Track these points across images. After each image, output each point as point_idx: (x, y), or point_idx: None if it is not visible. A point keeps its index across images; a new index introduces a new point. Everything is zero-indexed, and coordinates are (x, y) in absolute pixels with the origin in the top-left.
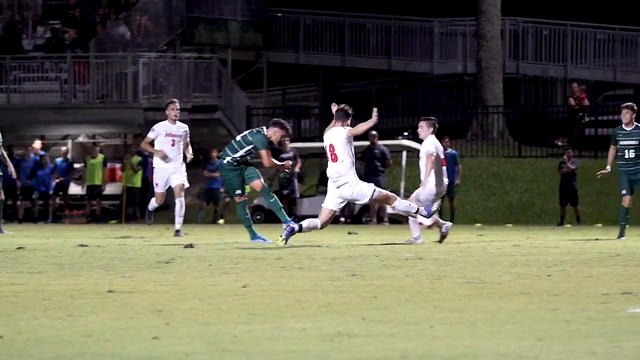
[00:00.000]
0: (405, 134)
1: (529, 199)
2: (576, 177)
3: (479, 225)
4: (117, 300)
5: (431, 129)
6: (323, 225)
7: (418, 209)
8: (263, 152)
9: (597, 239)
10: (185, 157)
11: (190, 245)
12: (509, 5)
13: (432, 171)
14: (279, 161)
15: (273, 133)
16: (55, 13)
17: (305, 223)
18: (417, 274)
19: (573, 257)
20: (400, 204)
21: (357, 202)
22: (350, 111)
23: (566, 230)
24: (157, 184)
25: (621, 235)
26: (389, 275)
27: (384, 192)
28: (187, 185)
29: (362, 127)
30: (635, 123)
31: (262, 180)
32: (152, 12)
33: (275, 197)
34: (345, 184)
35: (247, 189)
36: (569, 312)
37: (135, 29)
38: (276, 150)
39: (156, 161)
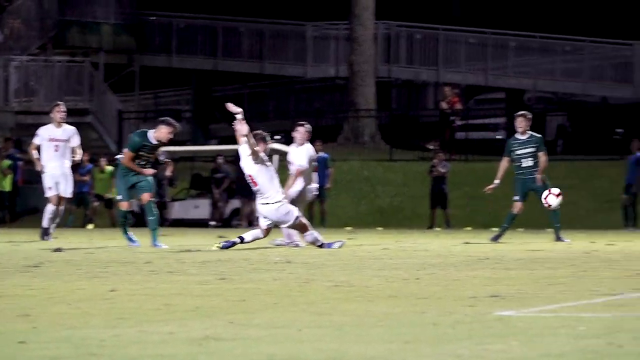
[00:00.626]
0: (277, 137)
1: (400, 202)
2: (446, 181)
3: (349, 228)
4: None
5: (307, 135)
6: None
7: (323, 243)
8: (125, 152)
9: (466, 243)
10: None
11: (59, 249)
12: (383, 9)
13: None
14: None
15: (160, 132)
16: None
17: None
18: (286, 278)
19: (442, 260)
20: (310, 236)
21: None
22: (264, 135)
23: (436, 234)
24: (49, 188)
25: (498, 237)
26: (258, 279)
27: (304, 221)
28: (68, 196)
29: (241, 132)
30: (529, 132)
31: (152, 194)
32: (25, 15)
33: (157, 216)
34: (267, 204)
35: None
36: (436, 315)
37: (8, 32)
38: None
39: (45, 166)
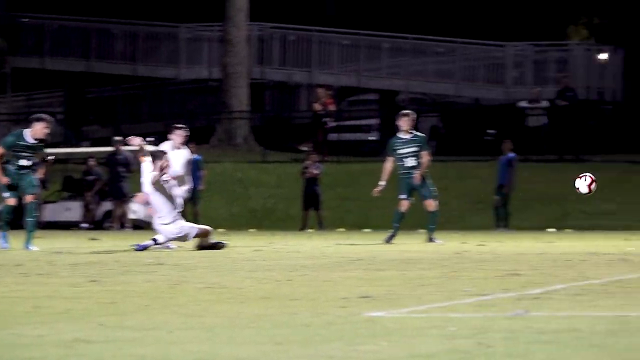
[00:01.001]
0: (151, 139)
1: (273, 204)
2: (319, 182)
3: (222, 230)
4: None
5: (185, 139)
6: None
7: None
8: None
9: (338, 244)
10: None
11: None
12: (256, 10)
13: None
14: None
15: (35, 129)
16: None
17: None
18: (158, 280)
19: (314, 261)
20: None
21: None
22: (145, 146)
23: (309, 235)
24: None
25: (391, 237)
26: (129, 281)
27: (201, 227)
28: None
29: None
30: (412, 131)
31: (36, 196)
32: None
33: (36, 219)
34: (163, 224)
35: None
36: (308, 317)
37: None
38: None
39: None
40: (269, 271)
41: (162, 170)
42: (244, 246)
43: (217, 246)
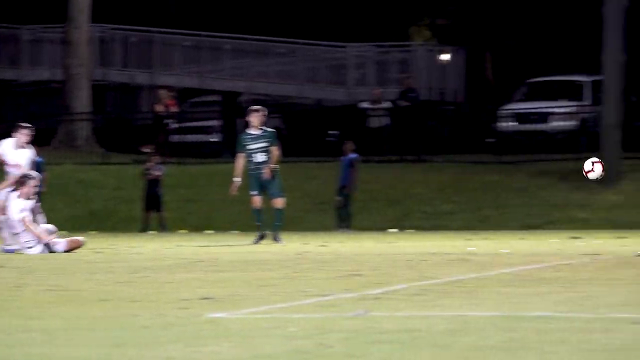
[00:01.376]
0: None
1: (114, 205)
2: (161, 184)
3: (64, 232)
4: None
5: (30, 138)
6: None
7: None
8: None
9: (180, 245)
10: None
11: None
12: (98, 12)
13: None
14: None
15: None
16: None
17: None
18: None
19: (156, 263)
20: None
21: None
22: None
23: (150, 237)
24: None
25: (260, 239)
26: None
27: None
28: None
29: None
30: (262, 127)
31: None
32: None
33: None
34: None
35: None
36: (148, 318)
37: None
38: None
39: None
40: (110, 273)
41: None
42: (85, 248)
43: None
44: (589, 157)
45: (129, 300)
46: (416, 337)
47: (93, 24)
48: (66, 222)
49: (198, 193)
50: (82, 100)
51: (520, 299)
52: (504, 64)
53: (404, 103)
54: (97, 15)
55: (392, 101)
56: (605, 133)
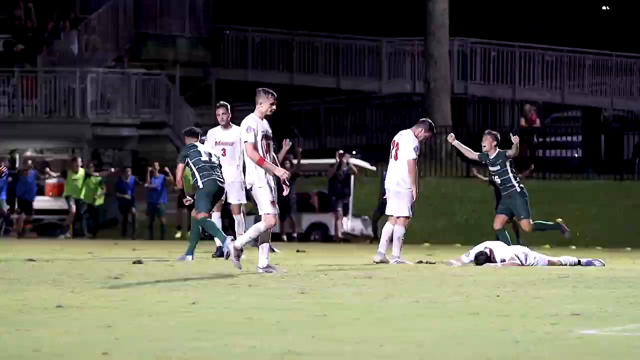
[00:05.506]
0: (354, 152)
1: (477, 219)
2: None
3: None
4: (66, 315)
5: None
6: None
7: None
8: None
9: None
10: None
11: (139, 261)
12: (458, 26)
13: None
14: None
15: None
16: (5, 26)
17: None
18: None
19: (521, 277)
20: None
21: None
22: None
23: None
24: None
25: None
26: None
27: None
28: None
29: None
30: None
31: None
32: (100, 29)
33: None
34: None
35: None
36: (518, 333)
37: (84, 44)
38: None
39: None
40: (476, 286)
41: None
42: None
43: None
44: None
45: (498, 314)
46: None
47: (453, 37)
48: (431, 234)
49: (559, 209)
50: (443, 113)
51: None
52: None
53: None
54: (457, 28)
55: None
56: None
